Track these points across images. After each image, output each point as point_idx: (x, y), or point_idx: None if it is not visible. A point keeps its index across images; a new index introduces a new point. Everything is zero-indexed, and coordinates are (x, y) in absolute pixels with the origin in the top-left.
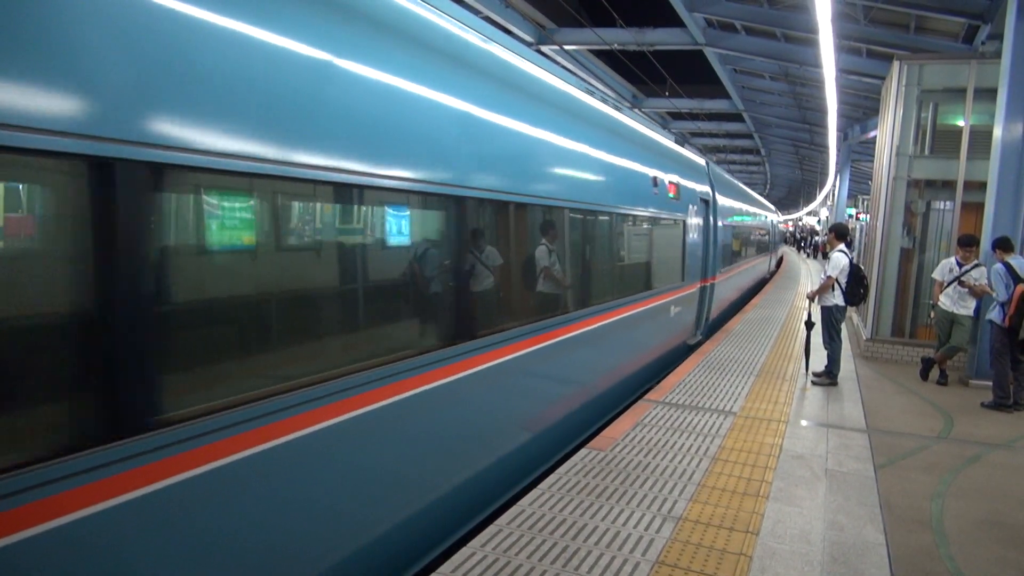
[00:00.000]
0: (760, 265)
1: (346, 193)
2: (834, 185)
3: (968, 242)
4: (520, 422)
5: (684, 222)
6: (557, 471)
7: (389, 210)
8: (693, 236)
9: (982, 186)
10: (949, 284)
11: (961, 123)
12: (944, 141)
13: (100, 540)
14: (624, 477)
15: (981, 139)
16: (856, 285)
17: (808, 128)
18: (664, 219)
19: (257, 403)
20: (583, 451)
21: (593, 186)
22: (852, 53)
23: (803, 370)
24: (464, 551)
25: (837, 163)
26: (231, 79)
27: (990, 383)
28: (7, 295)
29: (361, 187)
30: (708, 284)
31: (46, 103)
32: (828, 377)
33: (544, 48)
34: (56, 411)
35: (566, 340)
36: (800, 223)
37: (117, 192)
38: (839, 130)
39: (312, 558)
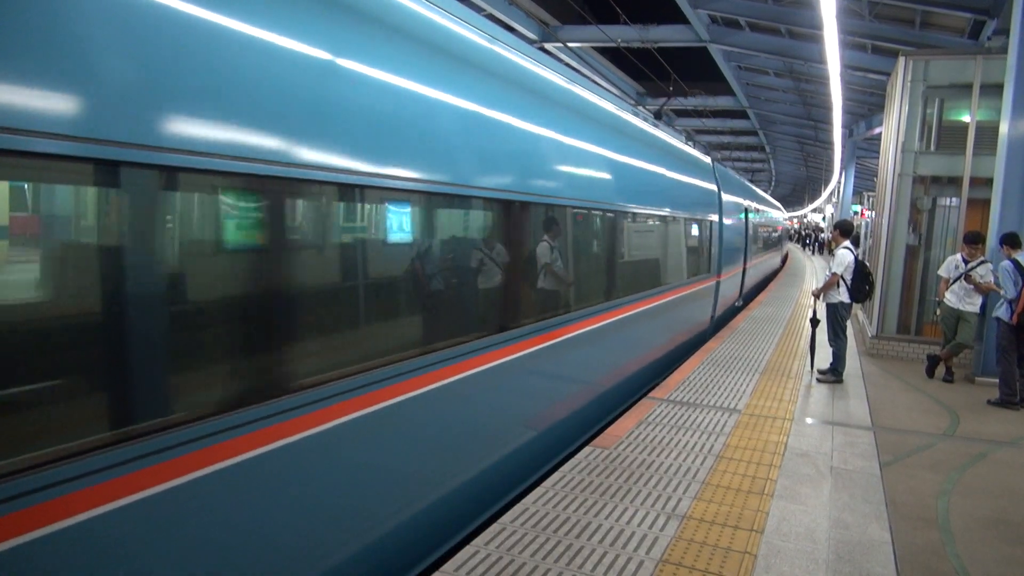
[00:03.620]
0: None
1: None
2: (839, 182)
3: (974, 239)
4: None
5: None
6: (561, 469)
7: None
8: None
9: (988, 182)
10: (955, 281)
11: (967, 119)
12: (950, 137)
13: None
14: (628, 475)
15: (987, 135)
16: (861, 282)
17: (813, 125)
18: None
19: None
20: (587, 449)
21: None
22: (857, 49)
23: (808, 367)
24: (468, 549)
25: (842, 160)
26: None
27: (996, 380)
28: None
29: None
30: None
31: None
32: (833, 374)
33: (548, 46)
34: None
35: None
36: (805, 220)
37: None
38: (844, 126)
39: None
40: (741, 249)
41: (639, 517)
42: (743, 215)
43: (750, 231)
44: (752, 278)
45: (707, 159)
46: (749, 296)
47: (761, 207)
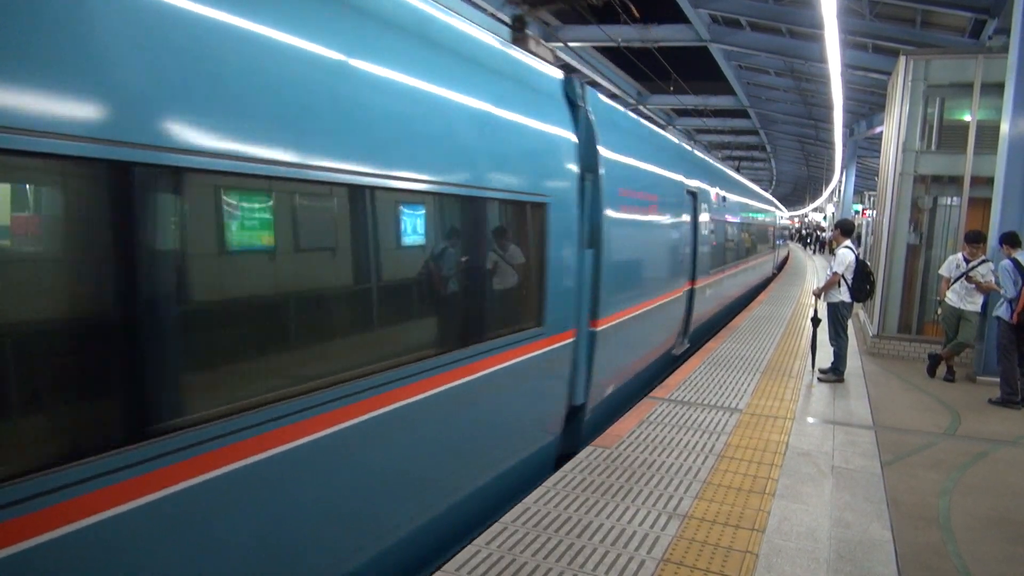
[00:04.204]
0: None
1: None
2: (840, 181)
3: (975, 238)
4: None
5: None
6: (562, 469)
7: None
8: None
9: (989, 181)
10: (956, 280)
11: (968, 118)
12: (951, 136)
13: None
14: (630, 475)
15: (988, 134)
16: (862, 281)
17: (814, 124)
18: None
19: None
20: (588, 448)
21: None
22: (858, 49)
23: (809, 367)
24: (469, 549)
25: (843, 159)
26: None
27: (997, 379)
28: None
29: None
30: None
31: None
32: (834, 374)
33: (548, 45)
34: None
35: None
36: (806, 219)
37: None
38: (845, 126)
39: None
40: (680, 260)
41: (640, 516)
42: (688, 203)
43: (704, 230)
44: (710, 303)
45: (556, 74)
46: (706, 330)
47: (733, 195)
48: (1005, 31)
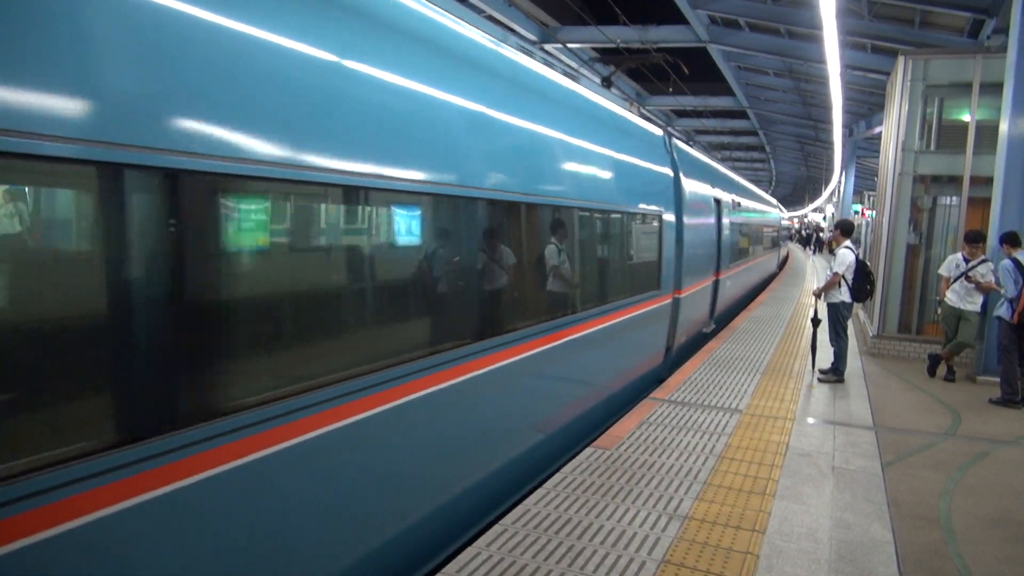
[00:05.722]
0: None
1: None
2: (839, 181)
3: (974, 238)
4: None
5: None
6: (563, 470)
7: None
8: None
9: (988, 181)
10: (956, 280)
11: (967, 118)
12: (950, 136)
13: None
14: (630, 476)
15: (987, 134)
16: (862, 281)
17: (813, 124)
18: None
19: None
20: (588, 450)
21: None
22: (857, 49)
23: (809, 367)
24: (469, 551)
25: (842, 159)
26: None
27: (997, 379)
28: None
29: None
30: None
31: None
32: (834, 374)
33: (548, 47)
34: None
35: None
36: (806, 219)
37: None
38: (844, 126)
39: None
40: None
41: (641, 518)
42: None
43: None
44: None
45: None
46: None
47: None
48: (1003, 31)
